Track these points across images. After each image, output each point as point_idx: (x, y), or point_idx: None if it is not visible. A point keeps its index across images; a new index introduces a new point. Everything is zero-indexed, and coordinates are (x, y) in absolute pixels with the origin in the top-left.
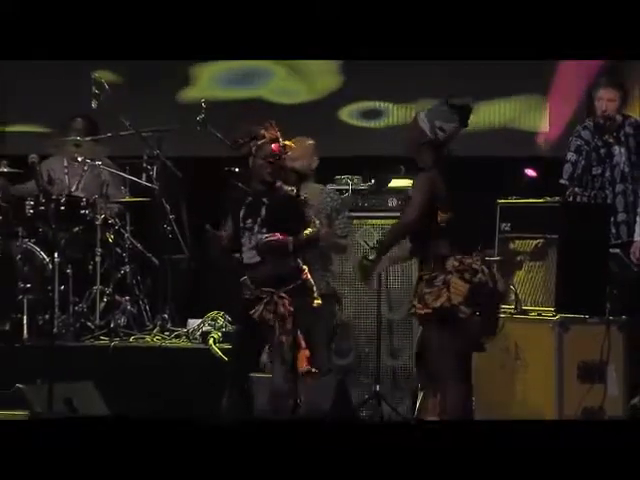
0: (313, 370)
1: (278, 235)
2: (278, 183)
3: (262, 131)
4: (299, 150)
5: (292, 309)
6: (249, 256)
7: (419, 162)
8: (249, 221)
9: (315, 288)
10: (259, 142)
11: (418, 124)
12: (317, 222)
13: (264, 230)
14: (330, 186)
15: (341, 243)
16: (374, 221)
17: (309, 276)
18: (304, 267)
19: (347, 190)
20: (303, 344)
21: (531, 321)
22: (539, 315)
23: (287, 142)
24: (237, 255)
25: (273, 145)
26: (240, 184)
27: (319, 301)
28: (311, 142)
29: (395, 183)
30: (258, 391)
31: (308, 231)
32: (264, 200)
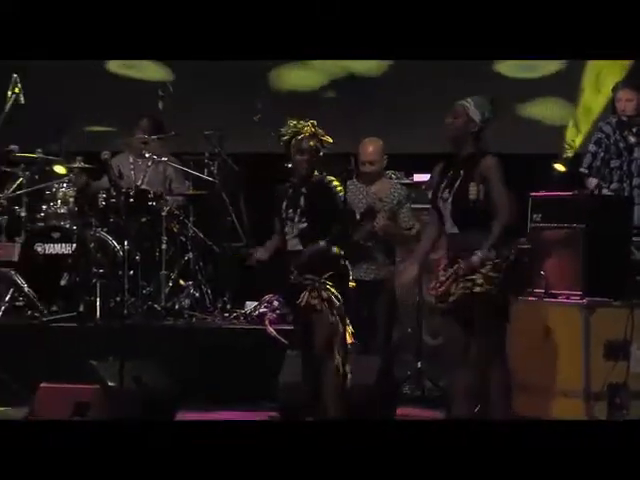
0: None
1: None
2: (317, 175)
3: (301, 127)
4: (371, 149)
5: (336, 293)
6: (292, 244)
7: (463, 150)
8: (290, 211)
9: (350, 273)
10: (298, 137)
11: (469, 114)
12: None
13: (304, 220)
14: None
15: (405, 234)
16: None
17: (346, 262)
18: (341, 253)
19: None
20: (347, 322)
21: (560, 304)
22: (567, 298)
23: (324, 137)
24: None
25: (311, 141)
26: (289, 178)
27: (354, 284)
28: (381, 142)
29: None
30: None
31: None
32: (302, 190)
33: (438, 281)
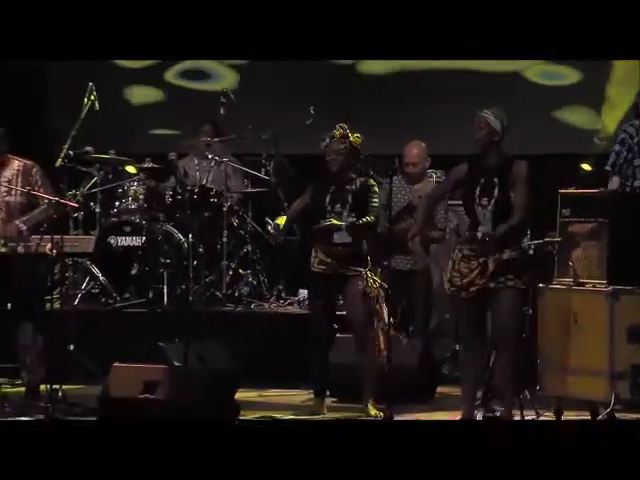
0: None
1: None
2: (354, 174)
3: (334, 131)
4: (417, 155)
5: (381, 282)
6: (341, 236)
7: (490, 158)
8: (338, 206)
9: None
10: (332, 140)
11: (490, 124)
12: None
13: (353, 214)
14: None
15: (435, 236)
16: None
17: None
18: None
19: None
20: (384, 315)
21: (587, 292)
22: (594, 286)
23: (354, 138)
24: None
25: (341, 143)
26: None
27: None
28: (424, 145)
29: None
30: (342, 349)
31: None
32: (347, 188)
33: (462, 273)
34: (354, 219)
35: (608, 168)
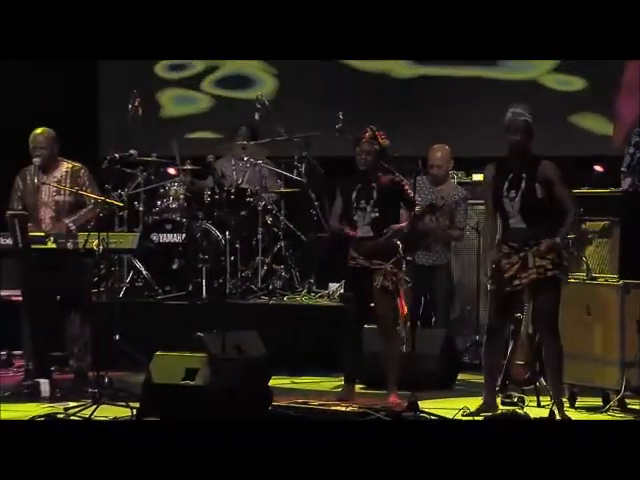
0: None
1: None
2: (380, 173)
3: (364, 133)
4: (441, 158)
5: (403, 276)
6: (364, 231)
7: (522, 156)
8: (362, 202)
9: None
10: (361, 141)
11: (530, 126)
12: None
13: (376, 210)
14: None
15: (454, 234)
16: (473, 206)
17: (401, 250)
18: (399, 243)
19: None
20: (404, 307)
21: (599, 285)
22: (606, 281)
23: (382, 140)
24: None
25: (369, 144)
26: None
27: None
28: (447, 148)
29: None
30: (370, 339)
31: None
32: (373, 185)
33: (503, 269)
34: (377, 214)
35: (624, 169)
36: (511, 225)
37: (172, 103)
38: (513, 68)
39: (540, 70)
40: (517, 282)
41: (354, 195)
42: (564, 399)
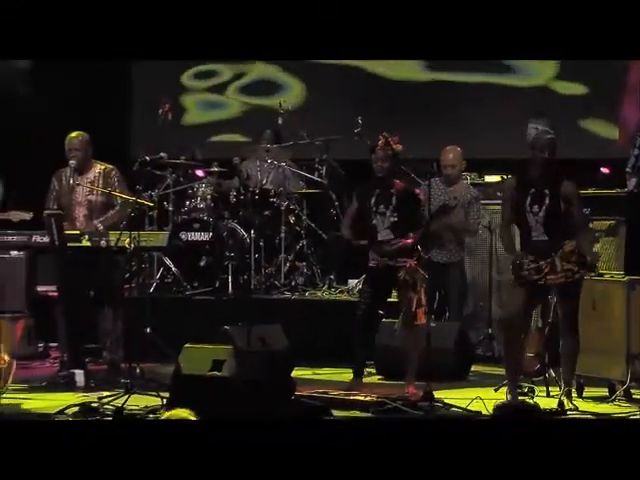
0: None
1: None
2: (397, 178)
3: (377, 141)
4: (453, 159)
5: (424, 273)
6: (384, 234)
7: (545, 171)
8: (382, 207)
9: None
10: (377, 149)
11: (556, 144)
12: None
13: (395, 214)
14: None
15: (469, 229)
16: (486, 206)
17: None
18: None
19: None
20: (424, 301)
21: (606, 281)
22: (612, 277)
23: (395, 146)
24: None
25: (383, 150)
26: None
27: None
28: (459, 149)
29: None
30: (385, 333)
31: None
32: (392, 191)
33: (532, 273)
34: (396, 219)
35: (628, 170)
36: (533, 237)
37: (199, 108)
38: (522, 74)
39: (547, 76)
40: (542, 282)
41: (373, 200)
42: (572, 388)
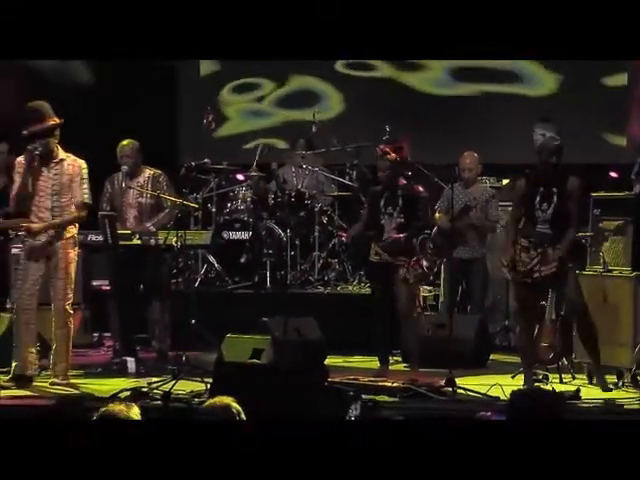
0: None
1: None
2: (404, 181)
3: (384, 150)
4: (470, 163)
5: (425, 270)
6: (391, 234)
7: (551, 172)
8: (389, 208)
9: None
10: (378, 161)
11: (561, 148)
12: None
13: (402, 215)
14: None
15: (489, 225)
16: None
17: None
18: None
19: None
20: (420, 297)
21: (615, 277)
22: (620, 273)
23: (389, 156)
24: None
25: (383, 161)
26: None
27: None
28: (476, 155)
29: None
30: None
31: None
32: (399, 194)
33: (524, 262)
34: (402, 220)
35: (633, 177)
36: (537, 229)
37: (240, 118)
38: (537, 85)
39: (553, 86)
40: (537, 275)
41: (382, 202)
42: (582, 376)
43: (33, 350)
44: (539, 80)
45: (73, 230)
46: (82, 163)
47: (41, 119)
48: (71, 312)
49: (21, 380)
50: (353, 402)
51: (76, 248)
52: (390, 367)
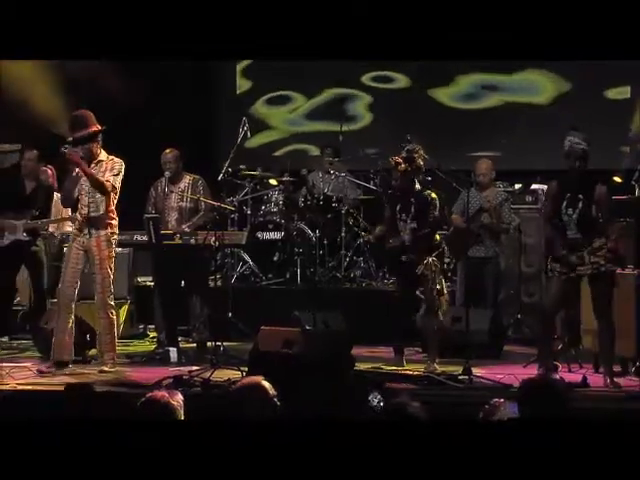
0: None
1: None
2: (418, 187)
3: (396, 160)
4: (484, 169)
5: (441, 267)
6: (407, 238)
7: (579, 178)
8: (404, 215)
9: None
10: (395, 168)
11: (588, 154)
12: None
13: (415, 221)
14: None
15: (503, 228)
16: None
17: (443, 245)
18: (438, 240)
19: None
20: (444, 290)
21: (619, 274)
22: (623, 270)
23: (400, 167)
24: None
25: (396, 171)
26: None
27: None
28: (490, 161)
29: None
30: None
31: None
32: (412, 201)
33: (569, 264)
34: (415, 225)
35: (633, 182)
36: (569, 235)
37: (273, 128)
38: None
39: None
40: (573, 274)
41: (397, 208)
42: (588, 365)
43: (68, 338)
44: (543, 90)
45: (107, 230)
46: (119, 160)
47: (86, 125)
48: (112, 304)
49: (60, 365)
50: (375, 390)
51: (112, 247)
52: (412, 357)
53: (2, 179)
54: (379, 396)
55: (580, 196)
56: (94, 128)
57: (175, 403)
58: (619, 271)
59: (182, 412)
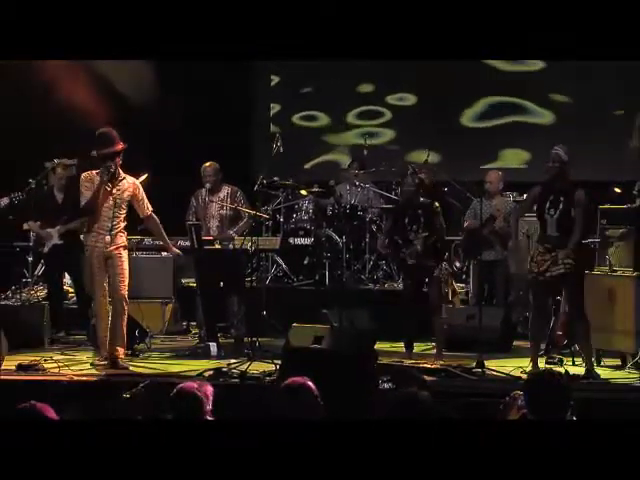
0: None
1: None
2: (422, 199)
3: (408, 171)
4: (493, 178)
5: (451, 271)
6: (420, 248)
7: (559, 182)
8: (414, 226)
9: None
10: (406, 177)
11: (562, 158)
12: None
13: (424, 231)
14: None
15: (510, 233)
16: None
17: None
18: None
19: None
20: (457, 289)
21: (619, 276)
22: (624, 273)
23: (418, 177)
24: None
25: (412, 180)
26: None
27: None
28: (499, 172)
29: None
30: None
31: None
32: (420, 212)
33: (539, 263)
34: (425, 234)
35: (635, 192)
36: (547, 232)
37: (304, 143)
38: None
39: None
40: (549, 274)
41: (407, 219)
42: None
43: (106, 334)
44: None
45: (123, 237)
46: (136, 181)
47: (112, 143)
48: (127, 301)
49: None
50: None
51: (126, 251)
52: (425, 352)
53: (38, 192)
54: (390, 383)
55: (562, 198)
56: (120, 146)
57: (201, 394)
58: (619, 274)
59: (210, 402)
